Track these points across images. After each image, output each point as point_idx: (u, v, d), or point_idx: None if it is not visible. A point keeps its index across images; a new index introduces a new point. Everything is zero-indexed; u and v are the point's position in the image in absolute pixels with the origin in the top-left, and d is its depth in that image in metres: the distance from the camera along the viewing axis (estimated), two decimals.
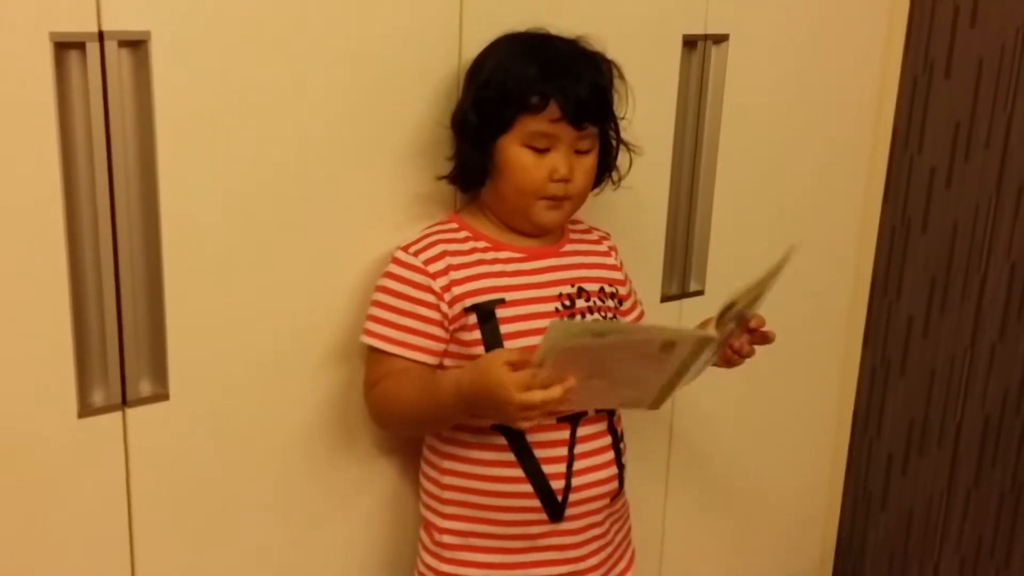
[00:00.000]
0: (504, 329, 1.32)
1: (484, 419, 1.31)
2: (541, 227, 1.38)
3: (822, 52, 1.86)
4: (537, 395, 1.16)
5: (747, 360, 1.41)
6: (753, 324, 1.37)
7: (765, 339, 1.38)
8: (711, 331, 1.24)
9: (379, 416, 1.39)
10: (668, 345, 1.21)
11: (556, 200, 1.34)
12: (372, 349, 1.35)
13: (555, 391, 1.16)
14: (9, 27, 1.11)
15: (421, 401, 1.31)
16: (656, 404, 1.33)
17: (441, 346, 1.34)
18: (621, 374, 1.24)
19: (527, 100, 1.29)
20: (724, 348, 1.35)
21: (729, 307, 1.25)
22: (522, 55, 1.33)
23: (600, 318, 1.39)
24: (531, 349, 1.17)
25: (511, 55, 1.34)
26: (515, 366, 1.17)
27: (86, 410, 1.25)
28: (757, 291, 1.29)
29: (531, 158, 1.32)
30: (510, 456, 1.34)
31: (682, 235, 1.78)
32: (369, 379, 1.37)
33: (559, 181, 1.32)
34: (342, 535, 1.50)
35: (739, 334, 1.36)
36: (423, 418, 1.35)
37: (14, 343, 1.19)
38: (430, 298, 1.32)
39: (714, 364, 1.38)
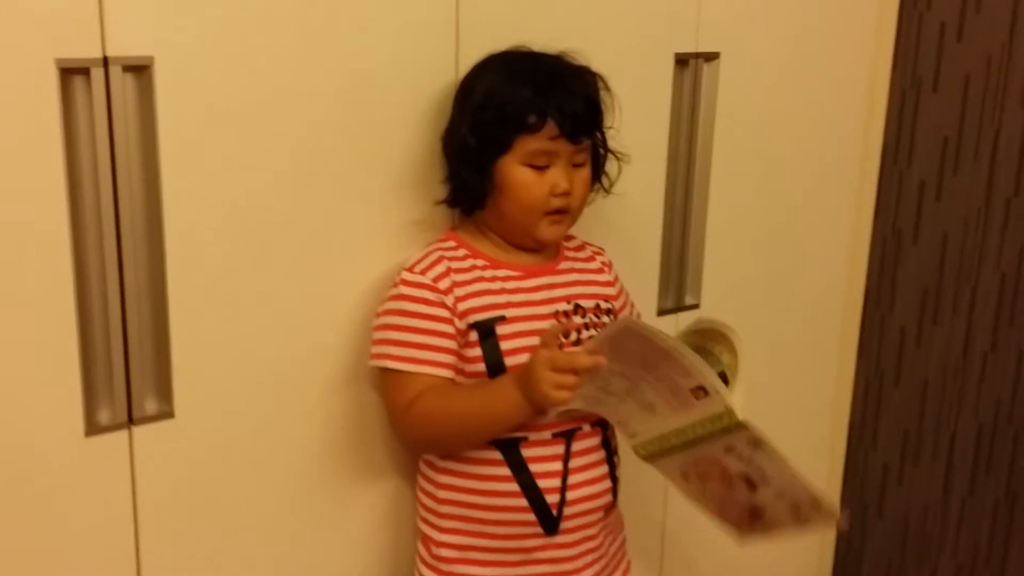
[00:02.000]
0: (504, 346, 1.33)
1: (537, 413, 1.30)
2: (543, 243, 1.40)
3: (812, 68, 1.89)
4: (560, 357, 1.22)
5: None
6: None
7: None
8: (745, 420, 1.22)
9: (422, 435, 1.38)
10: (700, 391, 1.20)
11: (558, 214, 1.36)
12: (392, 372, 1.34)
13: (581, 357, 1.21)
14: (16, 53, 1.13)
15: (476, 407, 1.32)
16: (641, 449, 1.33)
17: (455, 359, 1.35)
18: (643, 392, 1.25)
19: (525, 121, 1.31)
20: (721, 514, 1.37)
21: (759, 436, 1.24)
22: (514, 76, 1.35)
23: (596, 334, 1.40)
24: (570, 356, 1.23)
25: (503, 76, 1.35)
26: (556, 368, 1.23)
27: (93, 428, 1.26)
28: (785, 481, 1.27)
29: (532, 176, 1.34)
30: (506, 471, 1.35)
31: (677, 250, 1.80)
32: (400, 402, 1.35)
33: (560, 195, 1.35)
34: (342, 550, 1.51)
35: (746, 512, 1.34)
36: (478, 425, 1.33)
37: (22, 363, 1.21)
38: (445, 313, 1.33)
39: None
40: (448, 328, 1.33)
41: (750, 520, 1.34)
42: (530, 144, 1.32)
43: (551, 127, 1.32)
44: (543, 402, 1.25)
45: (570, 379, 1.23)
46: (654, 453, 1.33)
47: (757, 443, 1.24)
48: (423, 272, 1.35)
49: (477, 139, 1.34)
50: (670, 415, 1.26)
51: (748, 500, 1.32)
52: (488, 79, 1.36)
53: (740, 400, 1.23)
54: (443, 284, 1.34)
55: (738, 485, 1.31)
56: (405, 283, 1.36)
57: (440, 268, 1.36)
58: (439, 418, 1.34)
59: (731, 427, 1.22)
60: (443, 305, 1.33)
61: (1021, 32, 1.82)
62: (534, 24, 1.48)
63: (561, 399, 1.24)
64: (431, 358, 1.33)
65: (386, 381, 1.37)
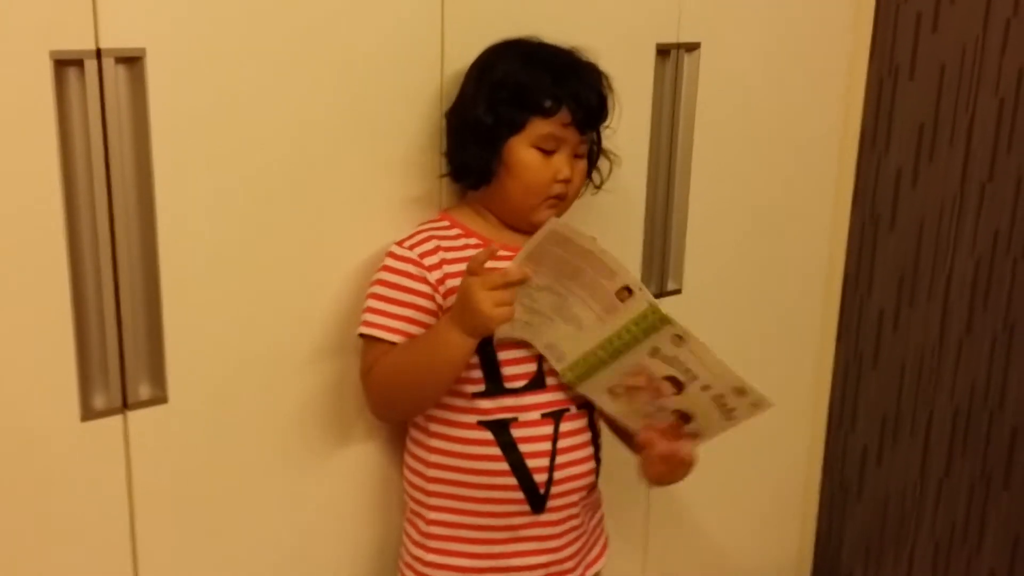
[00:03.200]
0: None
1: (474, 336, 1.31)
2: (538, 226, 1.43)
3: (791, 57, 1.92)
4: (492, 275, 1.25)
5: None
6: (681, 449, 1.39)
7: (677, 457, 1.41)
8: (668, 314, 1.28)
9: (380, 395, 1.40)
10: (624, 292, 1.26)
11: (557, 200, 1.40)
12: (368, 339, 1.38)
13: (512, 270, 1.25)
14: (11, 46, 1.15)
15: (421, 356, 1.34)
16: (568, 373, 1.37)
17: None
18: (570, 305, 1.29)
19: (541, 104, 1.36)
20: (645, 425, 1.40)
21: (679, 328, 1.29)
22: (533, 61, 1.39)
23: None
24: (501, 271, 1.27)
25: (523, 60, 1.40)
26: (482, 276, 1.26)
27: (88, 413, 1.29)
28: (714, 368, 1.32)
29: (539, 159, 1.38)
30: (496, 450, 1.38)
31: (660, 236, 1.83)
32: (363, 368, 1.40)
33: (562, 181, 1.39)
34: (332, 527, 1.54)
35: (666, 425, 1.39)
36: (427, 374, 1.35)
37: (19, 350, 1.23)
38: (426, 288, 1.37)
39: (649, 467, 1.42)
40: (425, 303, 1.37)
41: (679, 427, 1.39)
42: (542, 128, 1.36)
43: (564, 114, 1.36)
44: (487, 323, 1.27)
45: (507, 295, 1.26)
46: (582, 374, 1.37)
47: (682, 338, 1.29)
48: (411, 248, 1.39)
49: (493, 117, 1.37)
50: (597, 327, 1.31)
51: (676, 404, 1.37)
52: (507, 61, 1.40)
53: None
54: (428, 260, 1.38)
55: (665, 388, 1.36)
56: (391, 255, 1.40)
57: (428, 246, 1.39)
58: (390, 376, 1.36)
59: (656, 324, 1.28)
60: (425, 280, 1.37)
61: (994, 23, 1.86)
62: (517, 15, 1.50)
63: (503, 315, 1.26)
64: (397, 327, 1.36)
65: (362, 347, 1.41)
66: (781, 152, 1.96)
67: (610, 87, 1.45)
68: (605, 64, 1.49)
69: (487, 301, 1.25)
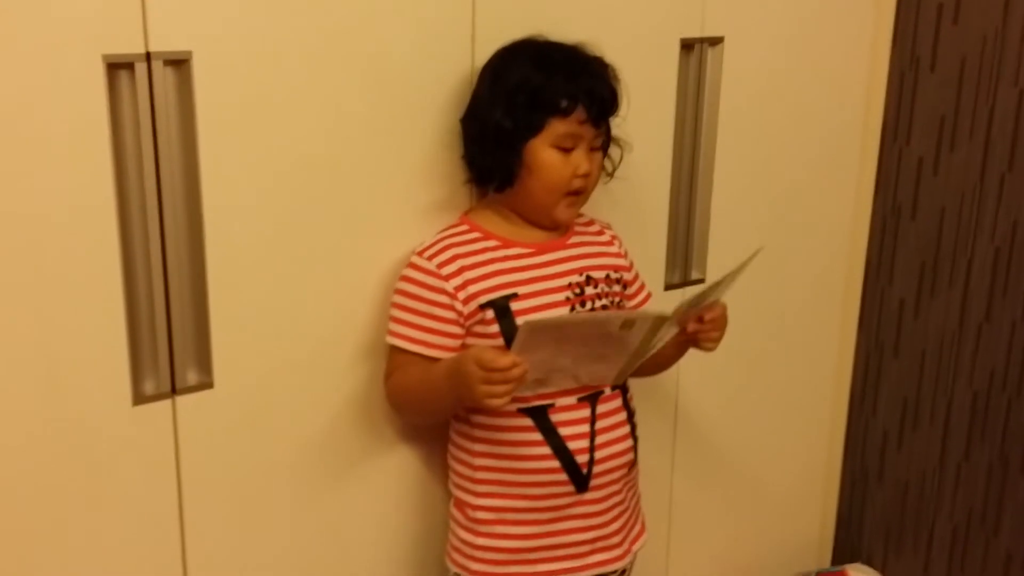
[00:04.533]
0: (520, 321, 1.41)
1: (469, 403, 1.37)
2: (559, 223, 1.48)
3: (813, 51, 1.94)
4: (495, 382, 1.27)
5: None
6: (707, 316, 1.45)
7: (714, 325, 1.46)
8: (666, 310, 1.33)
9: (394, 404, 1.52)
10: (627, 324, 1.31)
11: (577, 195, 1.45)
12: (390, 350, 1.46)
13: (513, 372, 1.26)
14: (67, 51, 1.22)
15: (422, 387, 1.43)
16: (619, 380, 1.44)
17: (457, 342, 1.43)
18: (586, 353, 1.34)
19: (558, 104, 1.39)
20: (681, 326, 1.45)
21: (697, 299, 1.36)
22: (545, 62, 1.42)
23: (608, 303, 1.48)
24: (500, 349, 1.29)
25: (534, 62, 1.42)
26: (483, 365, 1.27)
27: (139, 398, 1.35)
28: (720, 287, 1.40)
29: (559, 158, 1.42)
30: (537, 436, 1.44)
31: (683, 227, 1.87)
32: (386, 372, 1.49)
33: (581, 176, 1.43)
34: (373, 510, 1.60)
35: (693, 316, 1.45)
36: (425, 402, 1.46)
37: (74, 339, 1.29)
38: (444, 299, 1.42)
39: (674, 352, 1.52)
40: (446, 313, 1.42)
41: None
42: (560, 127, 1.40)
43: (580, 111, 1.40)
44: (476, 401, 1.31)
45: (501, 387, 1.27)
46: (626, 373, 1.43)
47: (688, 308, 1.36)
48: (429, 258, 1.44)
49: (511, 121, 1.41)
50: (623, 349, 1.36)
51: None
52: (520, 65, 1.43)
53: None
54: (446, 270, 1.42)
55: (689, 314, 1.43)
56: (412, 266, 1.45)
57: (446, 255, 1.44)
58: (400, 392, 1.47)
59: (665, 321, 1.34)
60: (443, 291, 1.42)
61: (1014, 14, 1.87)
62: (546, 13, 1.54)
63: (493, 405, 1.30)
64: (417, 336, 1.43)
65: (387, 351, 1.48)
66: (803, 143, 1.99)
67: (617, 78, 1.48)
68: (630, 59, 1.53)
69: (483, 393, 1.28)
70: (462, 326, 1.42)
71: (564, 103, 1.39)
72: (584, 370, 1.39)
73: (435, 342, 1.43)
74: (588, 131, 1.42)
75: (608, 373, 1.41)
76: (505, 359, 1.26)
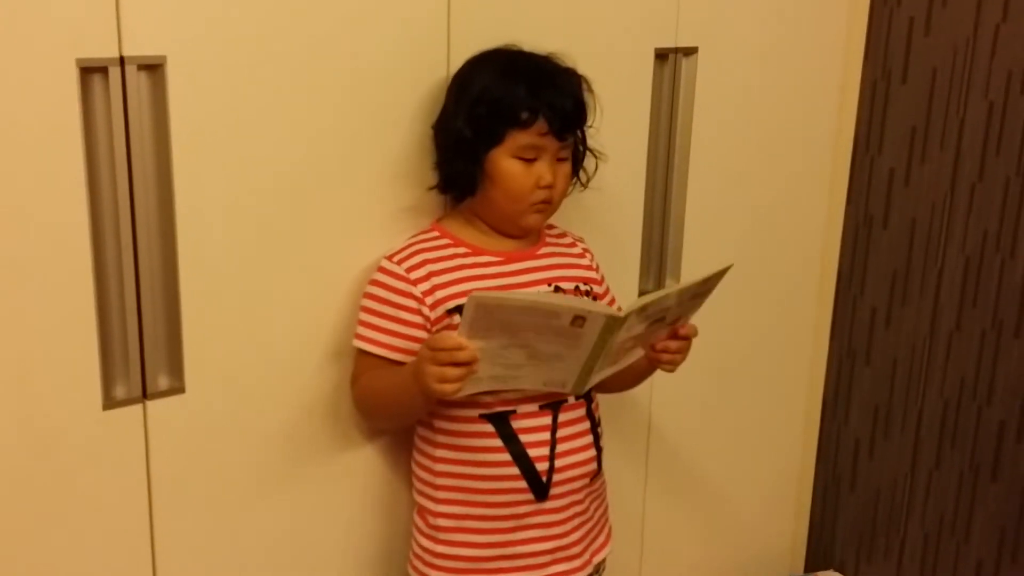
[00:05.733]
0: None
1: (429, 398, 1.36)
2: (527, 230, 1.49)
3: (786, 61, 1.96)
4: (443, 363, 1.27)
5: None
6: (682, 332, 1.45)
7: (680, 348, 1.45)
8: (617, 310, 1.30)
9: (360, 408, 1.52)
10: (578, 320, 1.28)
11: (542, 204, 1.45)
12: (356, 353, 1.47)
13: (461, 354, 1.27)
14: (40, 54, 1.21)
15: (389, 390, 1.43)
16: (578, 387, 1.40)
17: (414, 344, 1.42)
18: (539, 349, 1.32)
19: (518, 116, 1.39)
20: (648, 347, 1.44)
21: (652, 303, 1.32)
22: (509, 73, 1.43)
23: None
24: (451, 331, 1.30)
25: (498, 73, 1.43)
26: (431, 346, 1.29)
27: (110, 403, 1.35)
28: (677, 296, 1.37)
29: (520, 168, 1.42)
30: (498, 442, 1.44)
31: (657, 235, 1.88)
32: (353, 375, 1.49)
33: (544, 188, 1.43)
34: (341, 515, 1.60)
35: (663, 335, 1.44)
36: (390, 405, 1.46)
37: (45, 344, 1.29)
38: (411, 303, 1.42)
39: (645, 367, 1.48)
40: (413, 317, 1.42)
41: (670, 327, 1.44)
42: (521, 139, 1.41)
43: (541, 123, 1.40)
44: (432, 394, 1.31)
45: (454, 371, 1.28)
46: (585, 382, 1.40)
47: (645, 308, 1.32)
48: (399, 263, 1.44)
49: (472, 131, 1.42)
50: (576, 350, 1.33)
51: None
52: (484, 75, 1.44)
53: (607, 307, 1.32)
54: (415, 275, 1.43)
55: (654, 333, 1.41)
56: (381, 270, 1.46)
57: (415, 260, 1.44)
58: (366, 395, 1.48)
59: (621, 322, 1.30)
60: (411, 295, 1.42)
61: (984, 27, 1.90)
62: (520, 22, 1.55)
63: (446, 391, 1.30)
64: (383, 340, 1.43)
65: (354, 355, 1.48)
66: (777, 154, 2.01)
67: (589, 89, 1.48)
68: (604, 68, 1.54)
69: (433, 376, 1.29)
70: (428, 331, 1.43)
71: (524, 115, 1.39)
72: (542, 371, 1.37)
73: (400, 346, 1.43)
74: (551, 143, 1.42)
75: (567, 378, 1.39)
76: (451, 340, 1.27)
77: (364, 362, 1.46)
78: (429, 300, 1.43)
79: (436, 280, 1.43)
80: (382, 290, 1.44)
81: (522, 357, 1.33)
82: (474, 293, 1.24)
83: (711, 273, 1.40)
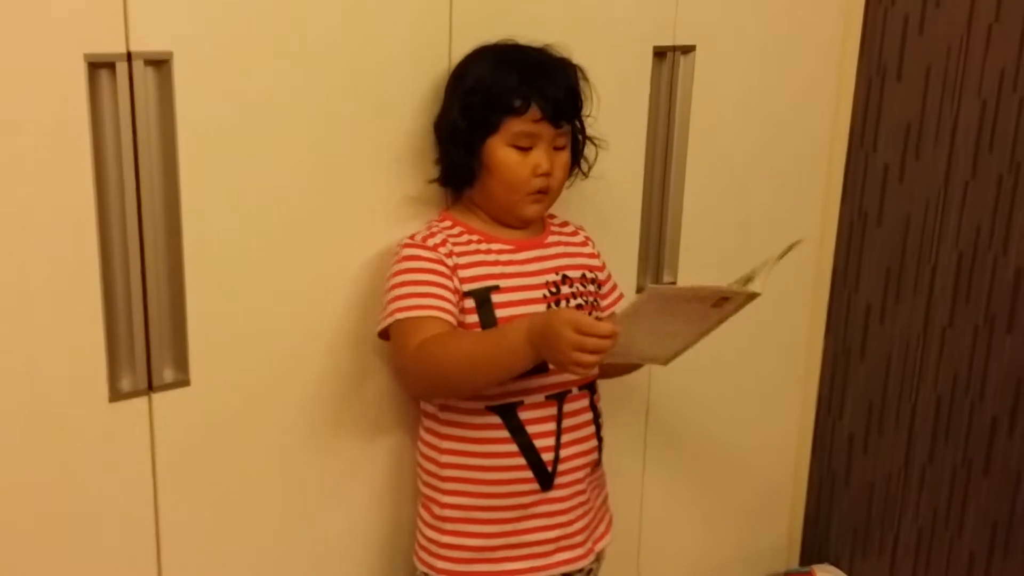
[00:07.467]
0: (498, 314, 1.43)
1: (552, 364, 1.34)
2: (526, 220, 1.50)
3: (782, 59, 1.97)
4: (588, 350, 1.25)
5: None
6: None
7: None
8: (758, 287, 1.30)
9: (427, 373, 1.39)
10: (720, 300, 1.28)
11: (539, 194, 1.46)
12: (400, 324, 1.39)
13: (606, 342, 1.25)
14: (48, 50, 1.23)
15: (484, 347, 1.35)
16: (669, 360, 1.40)
17: (457, 313, 1.41)
18: (661, 328, 1.31)
19: (511, 104, 1.41)
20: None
21: (745, 279, 1.33)
22: (502, 63, 1.45)
23: (583, 303, 1.51)
24: (600, 322, 1.26)
25: (491, 64, 1.45)
26: (580, 329, 1.25)
27: (116, 395, 1.36)
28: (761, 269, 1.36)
29: (516, 156, 1.43)
30: (505, 433, 1.45)
31: (655, 230, 1.89)
32: (409, 346, 1.38)
33: (541, 176, 1.44)
34: (347, 506, 1.61)
35: None
36: (484, 368, 1.35)
37: (52, 335, 1.30)
38: (444, 270, 1.42)
39: None
40: (448, 283, 1.42)
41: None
42: (515, 126, 1.42)
43: (535, 110, 1.42)
44: (563, 367, 1.29)
45: (590, 358, 1.24)
46: (678, 354, 1.40)
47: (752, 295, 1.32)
48: (423, 240, 1.45)
49: (467, 121, 1.43)
50: (694, 330, 1.33)
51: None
52: (478, 67, 1.46)
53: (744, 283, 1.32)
54: (442, 250, 1.44)
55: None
56: (407, 246, 1.46)
57: (438, 238, 1.46)
58: (447, 356, 1.36)
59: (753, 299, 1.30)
60: (442, 263, 1.42)
61: (978, 25, 1.91)
62: (521, 19, 1.56)
63: (578, 372, 1.28)
64: (437, 304, 1.40)
65: (395, 335, 1.41)
66: (773, 150, 2.02)
67: (585, 78, 1.50)
68: (604, 65, 1.56)
69: (571, 355, 1.25)
70: (456, 303, 1.42)
71: (517, 102, 1.41)
72: (649, 345, 1.34)
73: (447, 307, 1.40)
74: (546, 130, 1.43)
75: (664, 353, 1.37)
76: (605, 326, 1.25)
77: (419, 330, 1.37)
78: (458, 274, 1.43)
79: (457, 260, 1.44)
80: (412, 262, 1.43)
81: (645, 335, 1.32)
82: (650, 285, 1.23)
83: (785, 248, 1.38)
